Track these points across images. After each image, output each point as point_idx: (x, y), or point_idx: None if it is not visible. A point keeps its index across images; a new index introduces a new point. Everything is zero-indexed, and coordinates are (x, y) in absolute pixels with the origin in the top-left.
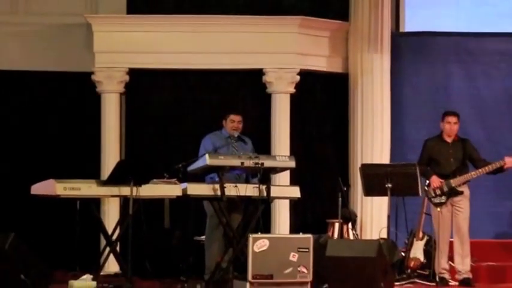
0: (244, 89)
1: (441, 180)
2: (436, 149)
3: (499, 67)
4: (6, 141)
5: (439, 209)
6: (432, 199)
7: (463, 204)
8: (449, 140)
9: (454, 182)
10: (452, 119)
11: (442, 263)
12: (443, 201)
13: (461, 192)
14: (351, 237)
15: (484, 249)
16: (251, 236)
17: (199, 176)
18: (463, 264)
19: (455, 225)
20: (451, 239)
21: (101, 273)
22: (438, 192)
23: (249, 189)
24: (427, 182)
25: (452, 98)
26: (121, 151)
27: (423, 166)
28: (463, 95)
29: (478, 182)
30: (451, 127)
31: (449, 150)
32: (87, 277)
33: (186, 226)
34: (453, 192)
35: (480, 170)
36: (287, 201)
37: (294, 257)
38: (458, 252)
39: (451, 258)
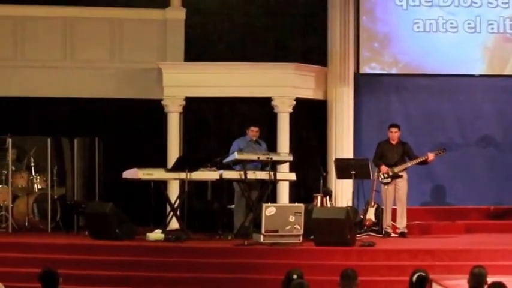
0: (260, 110)
1: (387, 168)
2: (385, 148)
3: (422, 96)
4: (108, 145)
5: (386, 187)
6: (381, 180)
7: (402, 184)
8: (393, 142)
9: (396, 169)
10: (393, 129)
11: (387, 222)
12: (388, 181)
13: (401, 176)
14: (328, 205)
15: (414, 213)
16: (264, 205)
17: (230, 166)
18: (402, 223)
19: (397, 197)
20: (394, 207)
21: (167, 229)
22: (386, 175)
23: (262, 175)
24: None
25: (392, 117)
26: (180, 150)
27: (376, 159)
28: (399, 115)
29: (411, 170)
30: (392, 135)
31: (394, 149)
32: (158, 231)
33: (222, 198)
34: (395, 176)
35: (412, 162)
36: (287, 183)
37: (291, 218)
38: (399, 215)
39: (394, 219)
